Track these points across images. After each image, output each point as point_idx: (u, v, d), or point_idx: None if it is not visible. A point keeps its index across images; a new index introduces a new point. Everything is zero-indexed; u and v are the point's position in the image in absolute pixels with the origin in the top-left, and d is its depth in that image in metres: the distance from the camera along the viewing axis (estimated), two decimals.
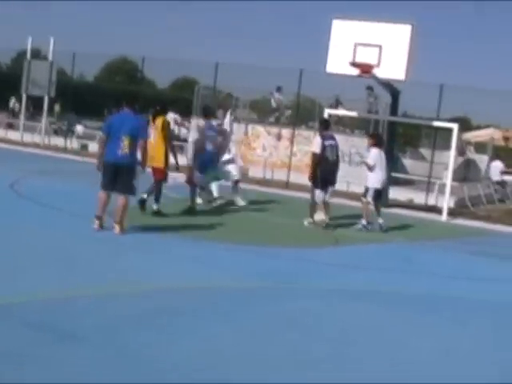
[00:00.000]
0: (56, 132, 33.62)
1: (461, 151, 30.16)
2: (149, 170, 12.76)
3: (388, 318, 8.32)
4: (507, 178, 28.94)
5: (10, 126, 35.31)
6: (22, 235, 10.62)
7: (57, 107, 38.77)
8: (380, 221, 14.89)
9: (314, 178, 14.32)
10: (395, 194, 20.81)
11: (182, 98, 44.41)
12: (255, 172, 24.31)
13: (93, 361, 5.73)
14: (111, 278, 8.63)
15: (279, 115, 28.50)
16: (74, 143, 30.67)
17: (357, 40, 17.74)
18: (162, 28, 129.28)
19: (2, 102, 41.43)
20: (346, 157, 21.03)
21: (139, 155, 11.62)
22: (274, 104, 28.90)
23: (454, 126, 19.41)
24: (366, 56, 17.63)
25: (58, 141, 30.83)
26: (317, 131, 19.72)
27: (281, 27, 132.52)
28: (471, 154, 34.75)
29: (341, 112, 24.51)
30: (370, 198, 14.86)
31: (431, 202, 21.29)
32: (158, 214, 13.49)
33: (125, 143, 11.17)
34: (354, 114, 22.95)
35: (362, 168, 15.81)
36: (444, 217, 18.96)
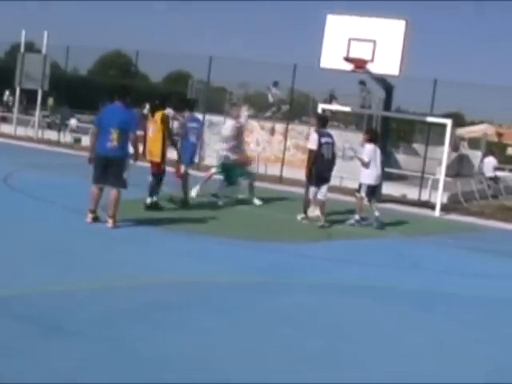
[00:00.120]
0: (49, 125, 33.55)
1: (454, 147, 30.22)
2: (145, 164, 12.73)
3: (382, 313, 8.33)
4: (500, 173, 29.03)
5: (4, 120, 35.25)
6: (15, 229, 10.59)
7: (50, 101, 38.65)
8: (376, 213, 14.80)
9: (309, 175, 14.30)
10: (388, 189, 20.82)
11: (175, 91, 44.32)
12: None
13: (87, 354, 5.73)
14: (105, 271, 8.62)
15: (276, 110, 28.50)
16: (67, 137, 30.63)
17: (351, 35, 17.72)
18: (157, 22, 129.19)
19: None
20: (340, 152, 20.99)
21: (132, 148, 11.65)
22: (270, 99, 28.90)
23: (448, 122, 19.43)
24: (360, 51, 17.62)
25: (52, 134, 30.79)
26: (311, 126, 19.74)
27: (275, 22, 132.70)
28: (465, 150, 34.84)
29: (334, 107, 24.49)
30: (363, 194, 14.87)
31: (424, 197, 21.32)
32: (151, 207, 13.47)
33: (114, 136, 11.19)
34: (347, 108, 22.94)
35: (356, 163, 15.80)
36: (437, 212, 18.99)
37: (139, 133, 12.60)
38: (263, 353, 6.33)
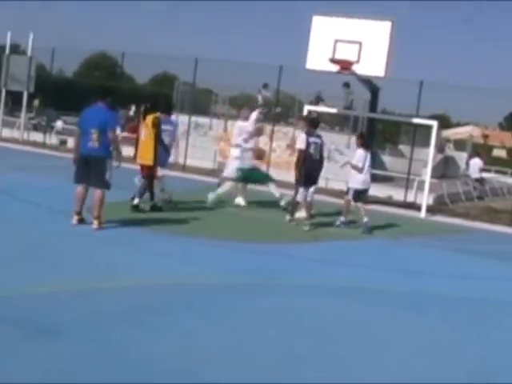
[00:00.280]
0: (35, 127, 33.40)
1: (440, 148, 30.33)
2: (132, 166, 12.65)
3: (371, 314, 8.31)
4: (486, 175, 29.13)
5: None
6: (0, 231, 10.53)
7: (36, 102, 38.42)
8: (365, 219, 14.72)
9: (299, 176, 14.26)
10: (374, 190, 20.73)
11: (161, 93, 44.26)
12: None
13: (73, 356, 5.69)
14: (90, 273, 8.56)
15: (267, 112, 28.47)
16: (52, 139, 30.51)
17: (337, 36, 17.77)
18: (142, 24, 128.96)
19: None
20: (325, 153, 21.03)
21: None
22: (261, 101, 28.87)
23: (434, 123, 19.51)
24: (346, 52, 17.66)
25: (37, 136, 30.65)
26: (297, 129, 19.72)
27: (261, 23, 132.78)
28: (450, 151, 34.98)
29: (320, 108, 24.50)
30: (350, 197, 14.87)
31: (410, 198, 21.36)
32: (136, 208, 13.42)
33: (94, 136, 11.27)
34: (333, 110, 22.96)
35: (344, 166, 15.77)
36: (423, 214, 19.02)
37: (124, 134, 12.55)
38: (249, 354, 6.30)
